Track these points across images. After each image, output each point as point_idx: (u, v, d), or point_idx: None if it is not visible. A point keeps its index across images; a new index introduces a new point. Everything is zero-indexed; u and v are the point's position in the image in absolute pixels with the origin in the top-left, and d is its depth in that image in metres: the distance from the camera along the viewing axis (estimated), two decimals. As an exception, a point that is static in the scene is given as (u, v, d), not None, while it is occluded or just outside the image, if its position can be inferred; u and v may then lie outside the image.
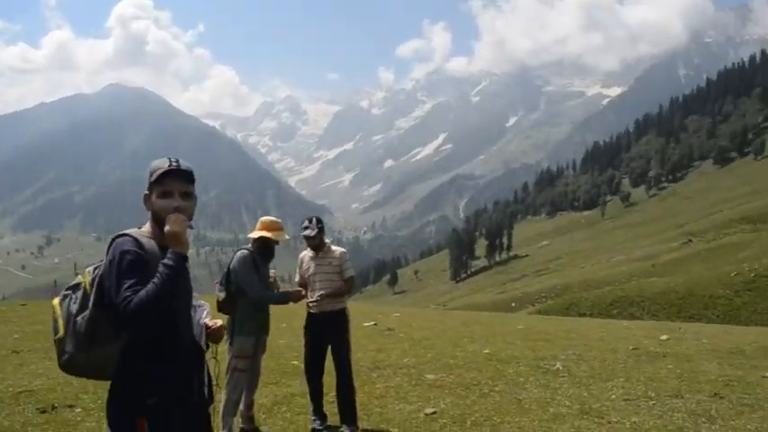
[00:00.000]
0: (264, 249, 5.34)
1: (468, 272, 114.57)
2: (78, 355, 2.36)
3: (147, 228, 2.56)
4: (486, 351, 9.29)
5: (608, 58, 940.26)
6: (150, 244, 2.46)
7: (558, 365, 8.05)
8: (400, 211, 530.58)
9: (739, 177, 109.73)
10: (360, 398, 6.51)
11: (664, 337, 10.74)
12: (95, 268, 2.48)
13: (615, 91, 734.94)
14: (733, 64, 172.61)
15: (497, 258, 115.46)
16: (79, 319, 2.36)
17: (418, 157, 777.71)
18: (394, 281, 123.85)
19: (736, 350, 9.07)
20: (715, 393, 6.44)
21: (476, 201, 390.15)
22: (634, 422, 5.57)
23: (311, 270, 5.58)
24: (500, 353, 9.17)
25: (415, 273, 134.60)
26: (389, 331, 11.86)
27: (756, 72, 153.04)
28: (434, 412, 5.95)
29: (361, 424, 5.55)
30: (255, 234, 5.32)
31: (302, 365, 5.81)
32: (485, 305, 46.17)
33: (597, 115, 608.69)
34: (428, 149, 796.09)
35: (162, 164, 2.58)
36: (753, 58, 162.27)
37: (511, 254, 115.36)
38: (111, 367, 2.42)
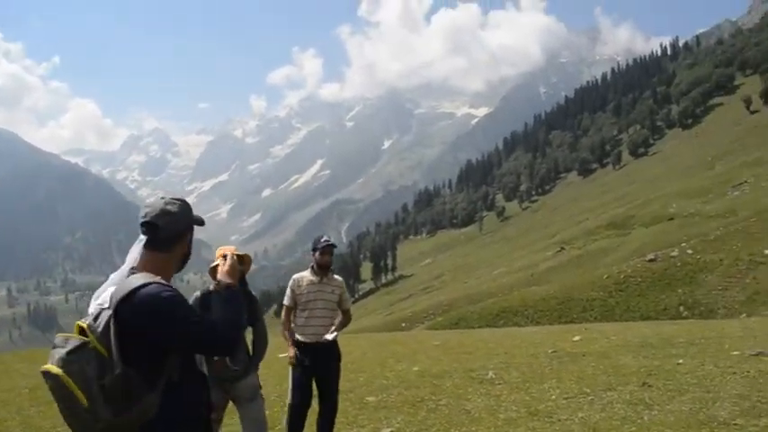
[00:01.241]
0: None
1: (356, 295, 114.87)
2: (117, 420, 2.14)
3: (145, 274, 2.35)
4: (416, 368, 9.35)
5: (473, 80, 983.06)
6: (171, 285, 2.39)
7: (490, 374, 8.25)
8: (282, 240, 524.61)
9: (601, 186, 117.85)
10: (308, 427, 6.34)
11: (576, 338, 11.31)
12: (95, 321, 2.25)
13: (483, 111, 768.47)
14: (588, 82, 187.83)
15: (383, 280, 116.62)
16: (106, 381, 2.13)
17: (297, 185, 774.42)
18: (280, 310, 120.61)
19: (644, 343, 9.71)
20: (643, 383, 6.85)
21: (357, 224, 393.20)
22: (581, 417, 5.82)
23: (311, 296, 5.23)
24: (430, 369, 9.26)
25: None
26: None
27: (608, 88, 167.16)
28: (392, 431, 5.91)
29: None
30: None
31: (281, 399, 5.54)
32: (376, 327, 46.22)
33: (467, 135, 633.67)
34: (306, 176, 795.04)
35: None
36: (604, 76, 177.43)
37: (396, 274, 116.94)
38: (150, 416, 2.23)
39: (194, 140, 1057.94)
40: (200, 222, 2.61)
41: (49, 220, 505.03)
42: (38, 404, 8.93)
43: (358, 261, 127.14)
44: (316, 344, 5.17)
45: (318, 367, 5.21)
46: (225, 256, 2.65)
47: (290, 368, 5.31)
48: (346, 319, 5.44)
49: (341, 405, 7.14)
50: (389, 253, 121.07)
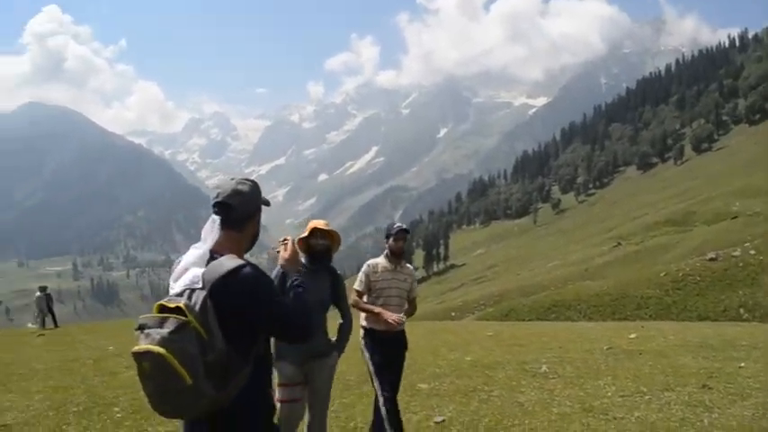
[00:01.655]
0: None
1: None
2: (220, 394, 2.22)
3: (234, 256, 2.42)
4: (469, 358, 9.35)
5: (532, 69, 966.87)
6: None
7: (543, 368, 8.18)
8: (335, 224, 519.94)
9: (662, 182, 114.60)
10: (360, 410, 6.44)
11: (632, 335, 11.08)
12: (188, 301, 2.27)
13: (541, 101, 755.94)
14: (650, 73, 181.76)
15: (435, 269, 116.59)
16: (210, 358, 2.19)
17: (351, 171, 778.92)
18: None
19: (704, 344, 9.44)
20: (703, 385, 6.68)
21: (410, 212, 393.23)
22: (638, 416, 5.72)
23: (385, 284, 5.05)
24: (482, 359, 9.25)
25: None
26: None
27: (672, 81, 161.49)
28: (443, 420, 5.95)
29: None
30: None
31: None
32: (426, 315, 46.13)
33: (524, 125, 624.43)
34: (361, 162, 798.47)
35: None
36: (668, 67, 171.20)
37: (448, 263, 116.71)
38: (238, 389, 2.32)
39: (253, 125, 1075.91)
40: (267, 203, 2.68)
41: (112, 199, 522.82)
42: (101, 374, 9.32)
43: (410, 249, 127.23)
44: (387, 332, 5.00)
45: (389, 355, 5.04)
46: (285, 242, 2.70)
47: (369, 360, 5.03)
48: (412, 308, 5.30)
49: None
50: (442, 242, 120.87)
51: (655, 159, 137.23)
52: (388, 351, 5.04)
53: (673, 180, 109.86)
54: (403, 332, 5.19)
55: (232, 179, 2.58)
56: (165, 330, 2.15)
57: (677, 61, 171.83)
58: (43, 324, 22.25)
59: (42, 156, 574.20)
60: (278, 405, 4.00)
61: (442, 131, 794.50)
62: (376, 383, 4.96)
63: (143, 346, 2.15)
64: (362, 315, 5.13)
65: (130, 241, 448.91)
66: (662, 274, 32.09)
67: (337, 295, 4.43)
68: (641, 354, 8.90)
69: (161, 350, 2.10)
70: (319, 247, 4.37)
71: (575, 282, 41.55)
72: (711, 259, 32.18)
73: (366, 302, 5.07)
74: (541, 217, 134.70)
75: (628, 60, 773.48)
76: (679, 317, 26.34)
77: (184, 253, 3.12)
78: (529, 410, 6.16)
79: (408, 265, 5.27)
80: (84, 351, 12.68)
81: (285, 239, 2.74)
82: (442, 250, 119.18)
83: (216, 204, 2.51)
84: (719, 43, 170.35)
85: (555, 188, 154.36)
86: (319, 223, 4.48)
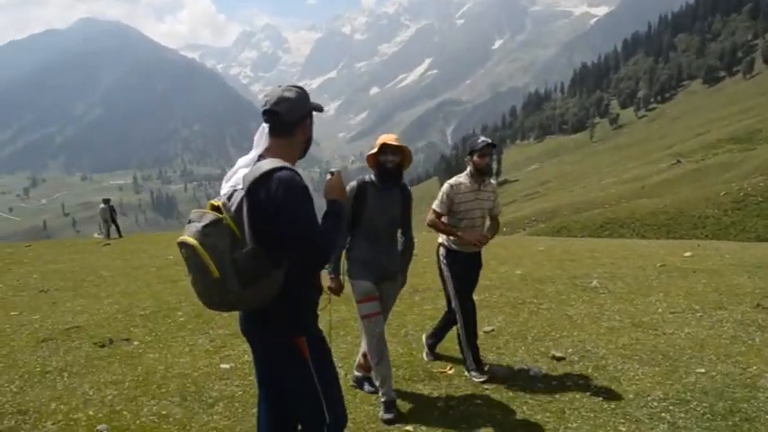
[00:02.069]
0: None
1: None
2: (245, 291, 2.31)
3: (278, 159, 2.47)
4: (519, 272, 9.43)
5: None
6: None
7: (594, 283, 8.20)
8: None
9: (728, 97, 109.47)
10: (411, 319, 6.63)
11: (687, 253, 10.92)
12: (229, 200, 2.42)
13: (603, 10, 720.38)
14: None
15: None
16: (237, 255, 2.28)
17: (404, 84, 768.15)
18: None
19: (761, 264, 9.25)
20: (758, 304, 6.60)
21: (463, 126, 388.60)
22: (688, 333, 5.73)
23: (469, 204, 4.78)
24: (533, 273, 9.32)
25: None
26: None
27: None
28: (492, 330, 6.09)
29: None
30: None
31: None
32: (477, 230, 46.21)
33: (584, 36, 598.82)
34: (413, 75, 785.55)
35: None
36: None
37: (500, 179, 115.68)
38: (275, 293, 2.41)
39: (304, 37, 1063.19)
40: (320, 109, 2.73)
41: (167, 114, 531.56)
42: (164, 282, 9.82)
43: (463, 164, 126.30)
44: (466, 253, 4.82)
45: (465, 272, 4.88)
46: (332, 173, 2.70)
47: (448, 270, 4.88)
48: (495, 225, 5.00)
49: (441, 302, 7.39)
50: (495, 157, 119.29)
51: (722, 73, 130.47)
52: (466, 267, 4.86)
53: (740, 95, 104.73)
54: (480, 253, 5.01)
55: (279, 86, 2.62)
56: (201, 224, 2.29)
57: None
58: (108, 234, 23.29)
59: (97, 71, 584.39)
60: (361, 320, 4.18)
61: (498, 42, 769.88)
62: (456, 300, 4.85)
63: (183, 237, 2.30)
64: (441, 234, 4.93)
65: (187, 155, 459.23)
66: (722, 194, 31.19)
67: (405, 214, 4.35)
68: (695, 272, 8.80)
69: (194, 242, 2.25)
70: (389, 164, 4.16)
71: (629, 200, 40.81)
72: (775, 178, 31.06)
73: (446, 223, 4.82)
74: (598, 132, 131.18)
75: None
76: (737, 237, 25.75)
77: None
78: (577, 323, 6.24)
79: (492, 181, 4.98)
80: (148, 260, 13.30)
81: (331, 171, 2.71)
82: (494, 165, 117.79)
83: (264, 112, 2.57)
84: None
85: (614, 102, 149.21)
86: (389, 138, 4.23)
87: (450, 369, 5.02)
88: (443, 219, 4.84)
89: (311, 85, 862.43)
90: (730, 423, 3.81)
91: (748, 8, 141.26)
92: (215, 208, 2.37)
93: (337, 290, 4.14)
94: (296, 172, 2.42)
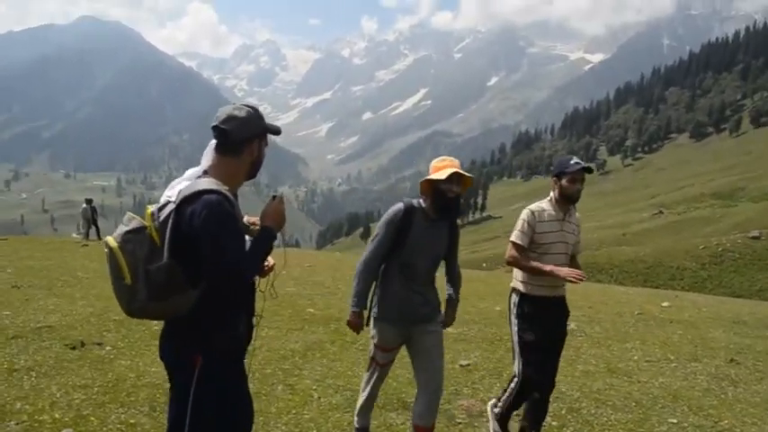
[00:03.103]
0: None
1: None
2: (152, 304, 2.30)
3: (214, 181, 2.43)
4: (498, 308, 9.44)
5: (593, 24, 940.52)
6: (233, 200, 2.43)
7: (572, 325, 8.21)
8: (376, 164, 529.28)
9: (714, 153, 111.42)
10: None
11: (665, 303, 11.04)
12: (159, 211, 2.42)
13: (598, 57, 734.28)
14: (717, 38, 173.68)
15: (471, 218, 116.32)
16: (152, 267, 2.28)
17: (397, 111, 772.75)
18: (367, 234, 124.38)
19: (737, 320, 9.37)
20: (731, 359, 6.67)
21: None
22: (662, 382, 5.76)
23: (551, 237, 3.89)
24: (511, 310, 9.32)
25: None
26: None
27: (739, 48, 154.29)
28: (468, 364, 6.07)
29: (404, 371, 5.47)
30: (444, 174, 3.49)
31: (318, 314, 5.17)
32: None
33: (578, 80, 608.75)
34: (407, 104, 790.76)
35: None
36: (737, 34, 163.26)
37: (485, 214, 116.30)
38: (186, 312, 2.38)
39: (303, 56, 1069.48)
40: (276, 131, 2.67)
41: (158, 119, 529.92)
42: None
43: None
44: (550, 298, 3.93)
45: (549, 326, 3.94)
46: (274, 197, 2.60)
47: (517, 334, 4.03)
48: (575, 266, 3.96)
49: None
50: (481, 191, 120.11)
51: (710, 129, 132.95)
52: (549, 323, 3.94)
53: (725, 152, 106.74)
54: (564, 296, 4.06)
55: (233, 104, 2.59)
56: (126, 229, 2.33)
57: (747, 29, 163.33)
58: (87, 235, 22.99)
59: (93, 70, 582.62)
60: (370, 360, 3.80)
61: (493, 80, 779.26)
62: (519, 364, 4.01)
63: (107, 237, 2.33)
64: (519, 275, 4.00)
65: (174, 162, 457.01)
66: (701, 247, 31.62)
67: (451, 251, 3.79)
68: (672, 323, 8.89)
69: (114, 244, 2.28)
70: (452, 194, 3.50)
71: (610, 245, 41.19)
72: (754, 237, 31.56)
73: (531, 257, 3.87)
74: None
75: (695, 23, 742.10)
76: (713, 291, 26.02)
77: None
78: (553, 365, 6.24)
79: (576, 213, 4.11)
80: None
81: (274, 195, 2.59)
82: (480, 200, 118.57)
83: (213, 128, 2.54)
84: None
85: (602, 149, 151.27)
86: (457, 165, 3.57)
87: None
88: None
89: (305, 105, 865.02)
90: (699, 477, 3.82)
91: (739, 68, 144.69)
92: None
93: (356, 326, 3.64)
94: (226, 196, 2.37)
